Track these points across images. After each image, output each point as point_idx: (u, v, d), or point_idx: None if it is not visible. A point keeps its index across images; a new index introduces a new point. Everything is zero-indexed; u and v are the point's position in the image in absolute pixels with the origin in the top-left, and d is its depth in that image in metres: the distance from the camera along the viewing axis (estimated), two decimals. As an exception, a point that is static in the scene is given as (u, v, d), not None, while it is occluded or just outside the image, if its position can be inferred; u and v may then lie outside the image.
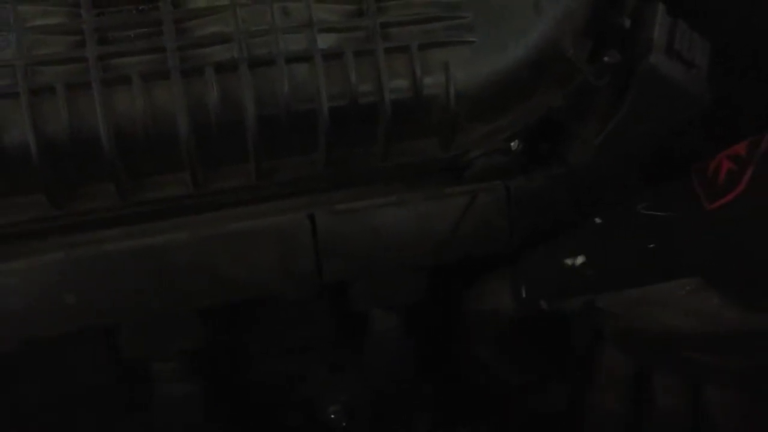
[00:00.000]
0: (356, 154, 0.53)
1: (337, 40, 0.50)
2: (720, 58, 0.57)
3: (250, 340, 0.67)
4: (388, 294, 0.60)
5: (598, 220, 0.54)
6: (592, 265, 0.54)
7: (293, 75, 0.49)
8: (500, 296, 0.61)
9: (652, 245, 0.51)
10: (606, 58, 0.53)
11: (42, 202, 0.49)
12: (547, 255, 0.57)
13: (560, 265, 0.55)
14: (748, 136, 0.64)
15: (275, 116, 0.50)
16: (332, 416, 0.68)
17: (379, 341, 0.66)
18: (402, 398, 0.71)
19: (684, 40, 0.55)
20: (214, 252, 0.51)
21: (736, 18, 0.62)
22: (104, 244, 0.50)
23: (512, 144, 0.56)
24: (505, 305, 0.60)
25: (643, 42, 0.54)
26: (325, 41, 0.50)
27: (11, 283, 0.49)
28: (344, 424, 0.68)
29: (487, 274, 0.63)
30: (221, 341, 0.59)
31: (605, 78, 0.54)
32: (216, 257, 0.51)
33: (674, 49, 0.55)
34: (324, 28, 0.50)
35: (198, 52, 0.48)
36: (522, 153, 0.58)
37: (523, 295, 0.58)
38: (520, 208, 0.56)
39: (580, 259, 0.54)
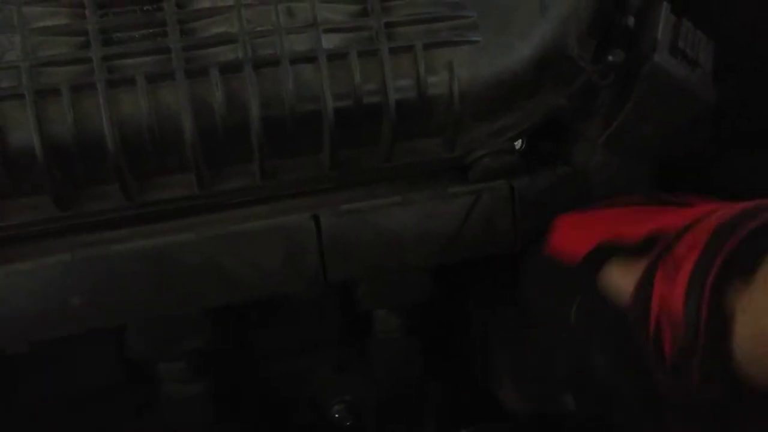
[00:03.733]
0: (361, 154, 0.53)
1: (341, 41, 0.50)
2: (726, 58, 0.57)
3: (255, 340, 0.67)
4: (393, 294, 0.60)
5: None
6: None
7: (298, 75, 0.49)
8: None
9: None
10: (610, 58, 0.53)
11: (48, 203, 0.49)
12: None
13: None
14: (751, 139, 0.64)
15: (280, 116, 0.50)
16: (336, 416, 0.68)
17: (383, 342, 0.66)
18: (407, 399, 0.71)
19: (688, 40, 0.55)
20: (219, 252, 0.51)
21: (741, 17, 0.62)
22: (110, 245, 0.50)
23: (516, 144, 0.56)
24: None
25: (647, 41, 0.54)
26: (329, 41, 0.50)
27: (18, 285, 0.49)
28: (348, 423, 0.68)
29: None
30: (227, 341, 0.59)
31: (609, 77, 0.54)
32: (221, 258, 0.51)
33: (678, 48, 0.54)
34: (328, 29, 0.50)
35: (203, 52, 0.49)
36: (526, 153, 0.58)
37: None
38: (524, 207, 0.56)
39: None
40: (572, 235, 0.51)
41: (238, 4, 0.49)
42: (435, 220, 0.55)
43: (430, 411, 0.73)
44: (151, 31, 0.48)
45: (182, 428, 0.63)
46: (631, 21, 0.55)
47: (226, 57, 0.49)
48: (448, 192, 0.55)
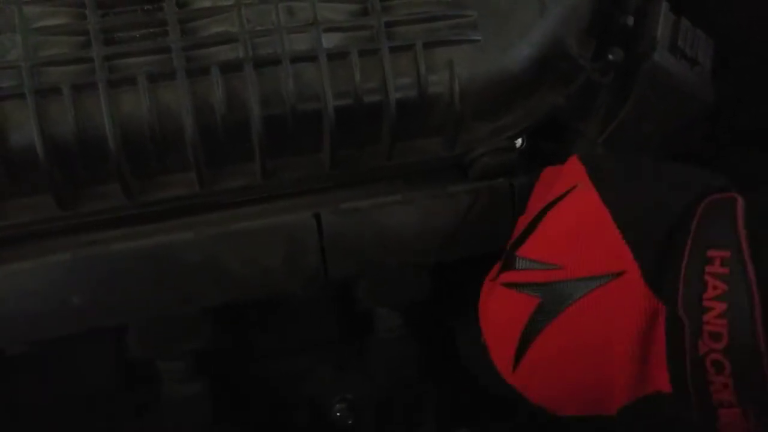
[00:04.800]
0: (361, 152, 0.54)
1: (342, 40, 0.50)
2: (722, 57, 0.58)
3: (255, 339, 0.67)
4: (393, 293, 0.60)
5: None
6: None
7: (298, 74, 0.49)
8: None
9: None
10: (610, 56, 0.53)
11: (49, 202, 0.49)
12: None
13: None
14: (748, 137, 0.65)
15: (280, 116, 0.50)
16: (338, 414, 0.68)
17: (384, 341, 0.66)
18: (407, 397, 0.71)
19: (687, 38, 0.56)
20: (220, 251, 0.51)
21: (737, 15, 0.62)
22: (111, 245, 0.50)
23: (517, 142, 0.56)
24: None
25: (646, 40, 0.54)
26: (330, 40, 0.50)
27: (18, 285, 0.49)
28: (350, 422, 0.68)
29: None
30: (227, 341, 0.59)
31: (609, 76, 0.54)
32: (222, 256, 0.52)
33: (678, 47, 0.55)
34: (329, 28, 0.50)
35: (203, 52, 0.49)
36: (526, 151, 0.58)
37: None
38: (524, 206, 0.56)
39: None
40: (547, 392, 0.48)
41: (239, 4, 0.49)
42: (435, 218, 0.55)
43: (430, 410, 0.73)
44: (151, 30, 0.49)
45: (182, 428, 0.63)
46: (630, 20, 0.55)
47: (227, 56, 0.49)
48: (448, 190, 0.55)
